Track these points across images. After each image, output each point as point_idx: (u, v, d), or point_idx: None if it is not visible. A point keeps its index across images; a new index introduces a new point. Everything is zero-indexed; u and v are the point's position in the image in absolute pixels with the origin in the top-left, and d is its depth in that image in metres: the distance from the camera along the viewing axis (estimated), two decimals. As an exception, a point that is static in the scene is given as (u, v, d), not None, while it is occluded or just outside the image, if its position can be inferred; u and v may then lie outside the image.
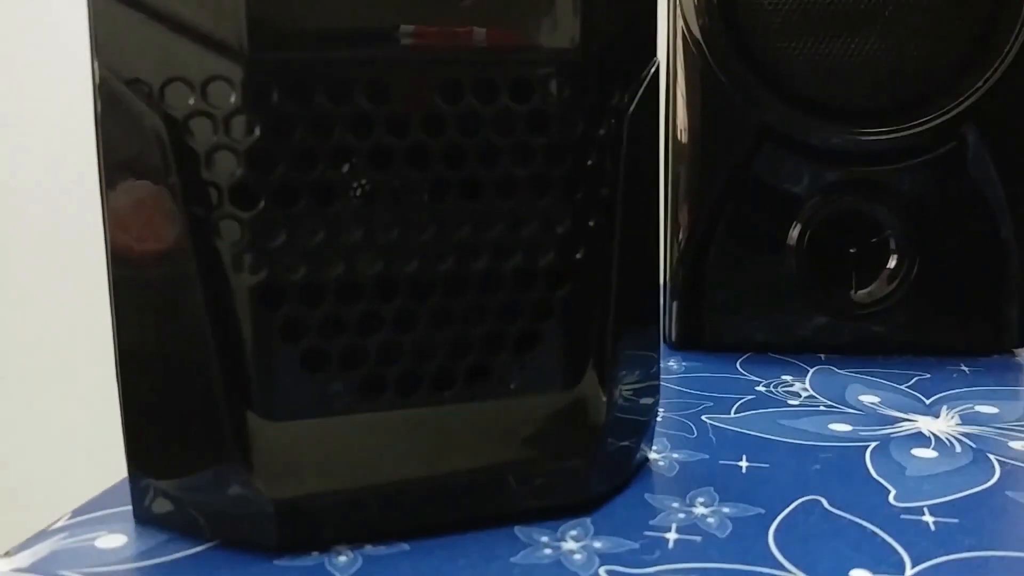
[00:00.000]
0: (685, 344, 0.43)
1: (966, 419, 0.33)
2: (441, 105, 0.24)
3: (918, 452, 0.30)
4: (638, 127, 0.27)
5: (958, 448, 0.30)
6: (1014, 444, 0.31)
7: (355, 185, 0.24)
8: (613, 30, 0.26)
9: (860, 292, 0.41)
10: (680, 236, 0.42)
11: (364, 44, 0.23)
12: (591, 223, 0.26)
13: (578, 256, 0.26)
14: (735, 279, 0.42)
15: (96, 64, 0.23)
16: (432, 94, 0.24)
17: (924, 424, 0.33)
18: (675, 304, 0.43)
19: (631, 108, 0.27)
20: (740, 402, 0.35)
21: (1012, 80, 0.39)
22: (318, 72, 0.23)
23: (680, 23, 0.41)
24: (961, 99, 0.39)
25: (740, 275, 0.42)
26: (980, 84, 0.39)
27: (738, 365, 0.41)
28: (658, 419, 0.33)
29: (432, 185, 0.25)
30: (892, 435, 0.32)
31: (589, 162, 0.26)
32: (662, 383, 0.35)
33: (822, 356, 0.42)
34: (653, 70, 0.28)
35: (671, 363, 0.41)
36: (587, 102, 0.26)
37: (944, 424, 0.33)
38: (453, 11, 0.24)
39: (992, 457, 0.30)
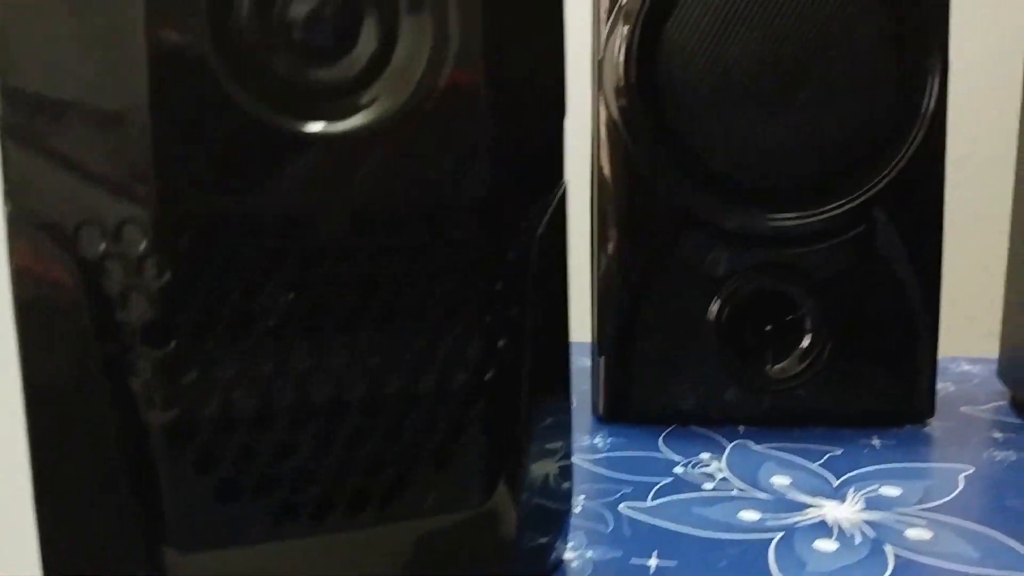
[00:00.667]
0: (613, 416, 0.45)
1: (870, 503, 0.35)
2: (353, 238, 0.25)
3: (820, 544, 0.32)
4: (547, 248, 0.28)
5: (858, 539, 0.32)
6: (909, 532, 0.32)
7: (268, 319, 0.25)
8: (523, 156, 0.28)
9: (775, 368, 0.43)
10: (607, 309, 0.44)
11: (273, 186, 0.24)
12: (501, 344, 0.27)
13: (488, 377, 0.27)
14: (661, 353, 0.44)
15: (9, 206, 0.23)
16: (344, 228, 0.25)
17: (829, 511, 0.34)
18: (603, 376, 0.44)
19: (540, 230, 0.28)
20: (658, 487, 0.37)
21: (919, 163, 0.41)
22: (228, 215, 0.24)
23: (602, 105, 0.43)
24: (872, 184, 0.41)
25: (666, 349, 0.44)
26: (888, 171, 0.40)
27: (660, 441, 0.42)
28: (577, 509, 0.34)
29: (345, 314, 0.25)
30: (797, 524, 0.33)
31: (499, 285, 0.27)
32: (586, 464, 0.36)
33: (741, 429, 0.43)
34: (561, 192, 0.29)
35: (596, 440, 0.42)
36: (497, 228, 0.27)
37: (848, 510, 0.34)
38: (363, 145, 0.25)
39: (888, 548, 0.31)
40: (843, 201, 0.41)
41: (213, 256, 0.24)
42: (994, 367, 0.48)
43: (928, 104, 0.40)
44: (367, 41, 0.25)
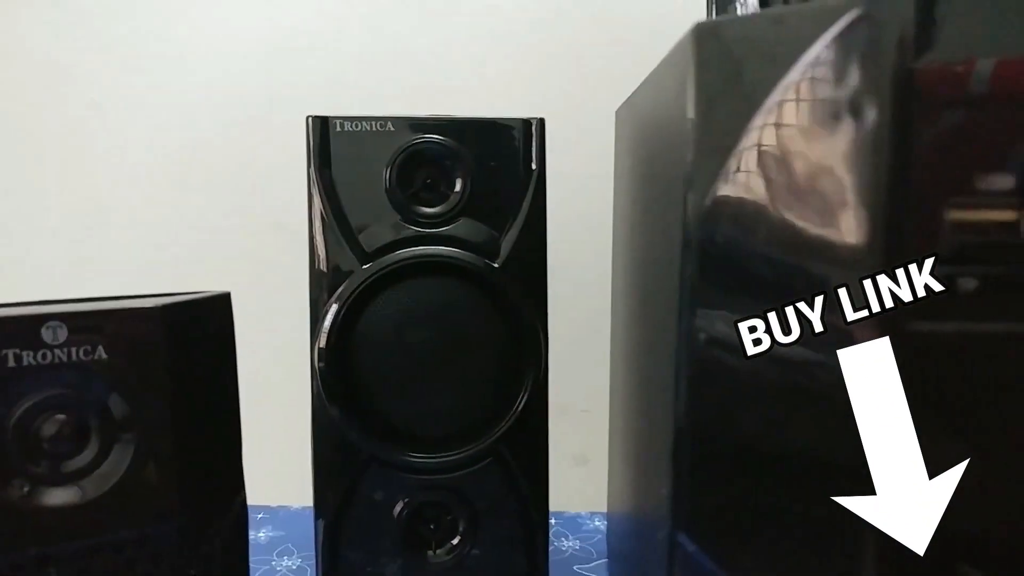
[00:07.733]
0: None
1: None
2: None
3: None
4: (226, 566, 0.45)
5: None
6: None
7: None
8: (204, 501, 0.44)
9: (438, 551, 0.62)
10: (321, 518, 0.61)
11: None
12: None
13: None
14: (367, 530, 0.62)
15: None
16: None
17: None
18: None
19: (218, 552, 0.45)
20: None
21: (524, 418, 0.60)
22: None
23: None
24: (495, 432, 0.60)
25: (368, 538, 0.62)
26: (504, 424, 0.60)
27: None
28: None
29: None
30: None
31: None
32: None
33: (414, 596, 0.62)
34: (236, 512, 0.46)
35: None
36: (181, 551, 0.44)
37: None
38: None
39: None
40: (475, 444, 0.60)
41: None
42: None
43: (531, 377, 0.59)
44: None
